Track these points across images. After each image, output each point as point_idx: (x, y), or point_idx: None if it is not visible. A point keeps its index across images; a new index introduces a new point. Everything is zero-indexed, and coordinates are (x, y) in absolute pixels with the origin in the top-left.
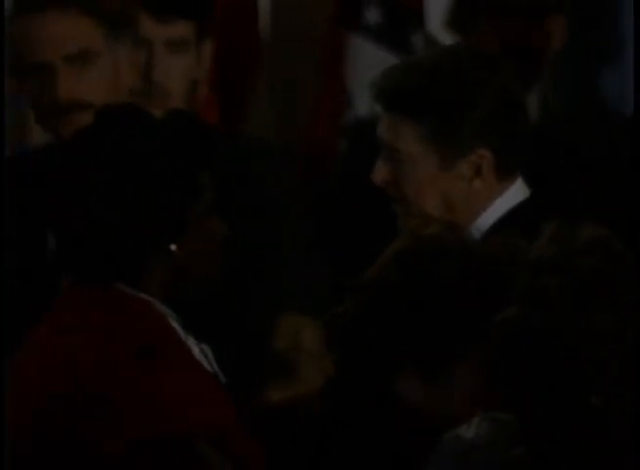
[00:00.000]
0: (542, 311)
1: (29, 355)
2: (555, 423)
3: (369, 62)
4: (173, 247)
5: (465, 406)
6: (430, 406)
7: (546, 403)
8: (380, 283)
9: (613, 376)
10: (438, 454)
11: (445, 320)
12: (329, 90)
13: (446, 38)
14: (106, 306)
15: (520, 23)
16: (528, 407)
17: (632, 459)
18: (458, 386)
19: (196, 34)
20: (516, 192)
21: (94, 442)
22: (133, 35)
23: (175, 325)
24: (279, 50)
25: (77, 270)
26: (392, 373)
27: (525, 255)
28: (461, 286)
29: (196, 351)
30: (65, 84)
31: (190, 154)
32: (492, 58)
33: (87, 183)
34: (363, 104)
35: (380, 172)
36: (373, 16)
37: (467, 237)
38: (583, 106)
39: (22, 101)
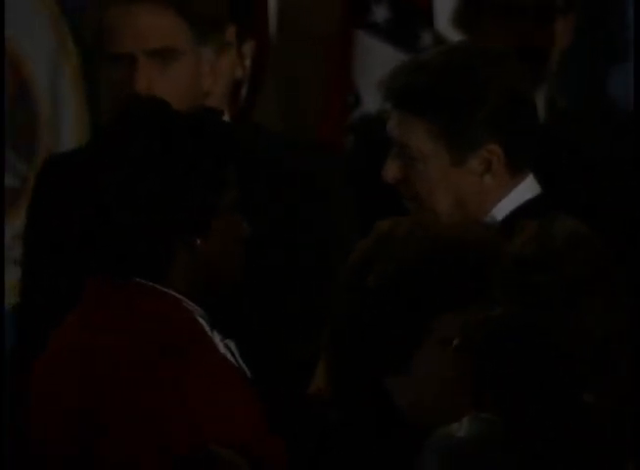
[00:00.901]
0: (532, 310)
1: (56, 356)
2: (545, 423)
3: (377, 60)
4: (198, 242)
5: (447, 398)
6: (414, 402)
7: (536, 404)
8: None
9: (603, 374)
10: (427, 452)
11: (415, 315)
12: (336, 88)
13: (454, 36)
14: (134, 304)
15: (524, 22)
16: (517, 408)
17: (629, 459)
18: (428, 373)
19: (236, 36)
20: (526, 189)
21: (118, 444)
22: (219, 41)
23: (202, 322)
24: (285, 48)
25: (102, 266)
26: (384, 369)
27: (502, 252)
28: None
29: (221, 347)
30: (143, 78)
31: (216, 150)
32: (500, 54)
33: (112, 178)
34: (371, 102)
35: (391, 170)
36: (381, 13)
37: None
38: (590, 105)
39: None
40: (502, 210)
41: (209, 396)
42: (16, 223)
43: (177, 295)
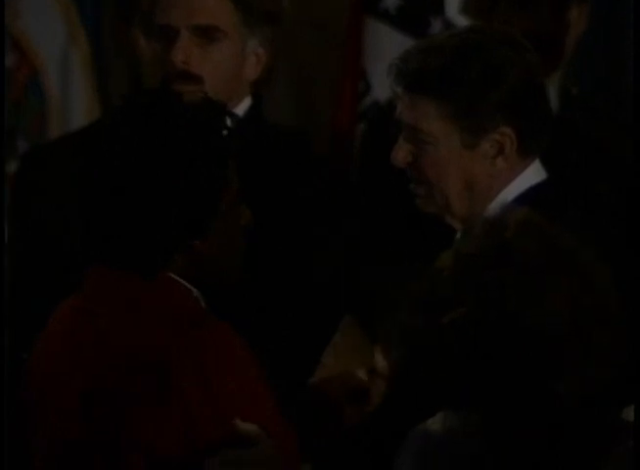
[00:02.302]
0: (498, 307)
1: (59, 343)
2: (521, 415)
3: (387, 47)
4: (197, 243)
5: None
6: None
7: (511, 397)
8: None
9: (574, 360)
10: (405, 448)
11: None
12: (348, 76)
13: (465, 23)
14: (147, 290)
15: (538, 10)
16: (493, 403)
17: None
18: None
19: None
20: (532, 174)
21: (141, 430)
22: (268, 35)
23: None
24: (296, 36)
25: (100, 259)
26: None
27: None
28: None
29: None
30: (182, 52)
31: (219, 146)
32: (515, 37)
33: (115, 173)
34: (381, 89)
35: (400, 153)
36: (392, 0)
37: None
38: (602, 95)
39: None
40: (509, 193)
41: (231, 378)
42: None
43: (186, 284)
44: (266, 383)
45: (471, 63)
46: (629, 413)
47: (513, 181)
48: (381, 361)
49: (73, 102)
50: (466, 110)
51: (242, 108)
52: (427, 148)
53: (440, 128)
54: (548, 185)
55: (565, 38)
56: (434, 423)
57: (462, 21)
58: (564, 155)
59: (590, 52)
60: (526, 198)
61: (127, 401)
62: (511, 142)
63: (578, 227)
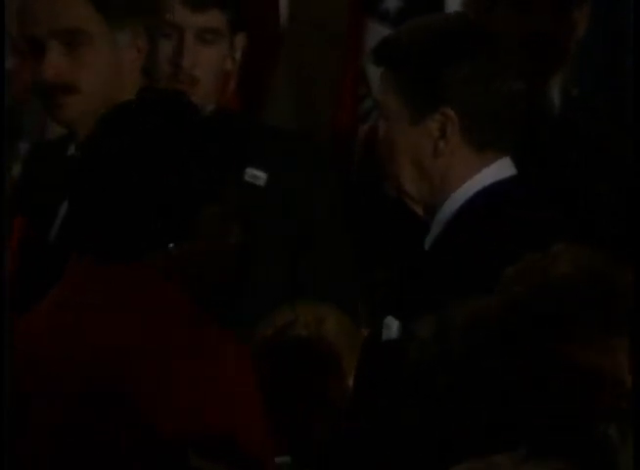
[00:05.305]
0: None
1: (48, 336)
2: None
3: None
4: (171, 246)
5: None
6: None
7: None
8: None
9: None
10: None
11: None
12: (349, 78)
13: None
14: (140, 284)
15: (540, 12)
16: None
17: None
18: None
19: (229, 26)
20: (498, 170)
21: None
22: (134, 26)
23: None
24: (297, 38)
25: (91, 248)
26: None
27: None
28: None
29: None
30: (51, 63)
31: (218, 155)
32: (490, 33)
33: (106, 168)
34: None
35: (363, 131)
36: (392, 2)
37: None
38: (602, 95)
39: None
40: (469, 189)
41: (217, 380)
42: None
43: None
44: (259, 394)
45: (429, 41)
46: None
47: (477, 174)
48: None
49: None
50: (415, 84)
51: None
52: (383, 122)
53: (394, 102)
54: (516, 182)
55: (567, 40)
56: None
57: None
58: (564, 155)
59: (590, 52)
60: (491, 192)
61: (109, 400)
62: (452, 124)
63: (552, 229)
